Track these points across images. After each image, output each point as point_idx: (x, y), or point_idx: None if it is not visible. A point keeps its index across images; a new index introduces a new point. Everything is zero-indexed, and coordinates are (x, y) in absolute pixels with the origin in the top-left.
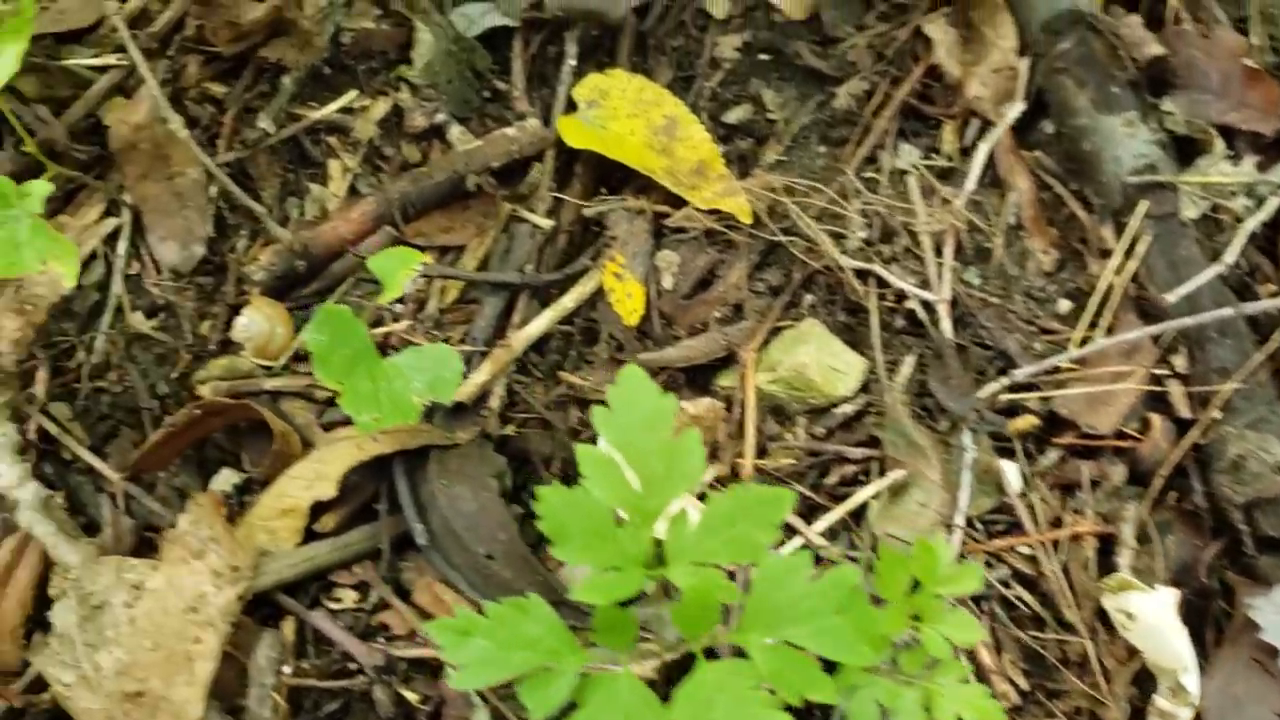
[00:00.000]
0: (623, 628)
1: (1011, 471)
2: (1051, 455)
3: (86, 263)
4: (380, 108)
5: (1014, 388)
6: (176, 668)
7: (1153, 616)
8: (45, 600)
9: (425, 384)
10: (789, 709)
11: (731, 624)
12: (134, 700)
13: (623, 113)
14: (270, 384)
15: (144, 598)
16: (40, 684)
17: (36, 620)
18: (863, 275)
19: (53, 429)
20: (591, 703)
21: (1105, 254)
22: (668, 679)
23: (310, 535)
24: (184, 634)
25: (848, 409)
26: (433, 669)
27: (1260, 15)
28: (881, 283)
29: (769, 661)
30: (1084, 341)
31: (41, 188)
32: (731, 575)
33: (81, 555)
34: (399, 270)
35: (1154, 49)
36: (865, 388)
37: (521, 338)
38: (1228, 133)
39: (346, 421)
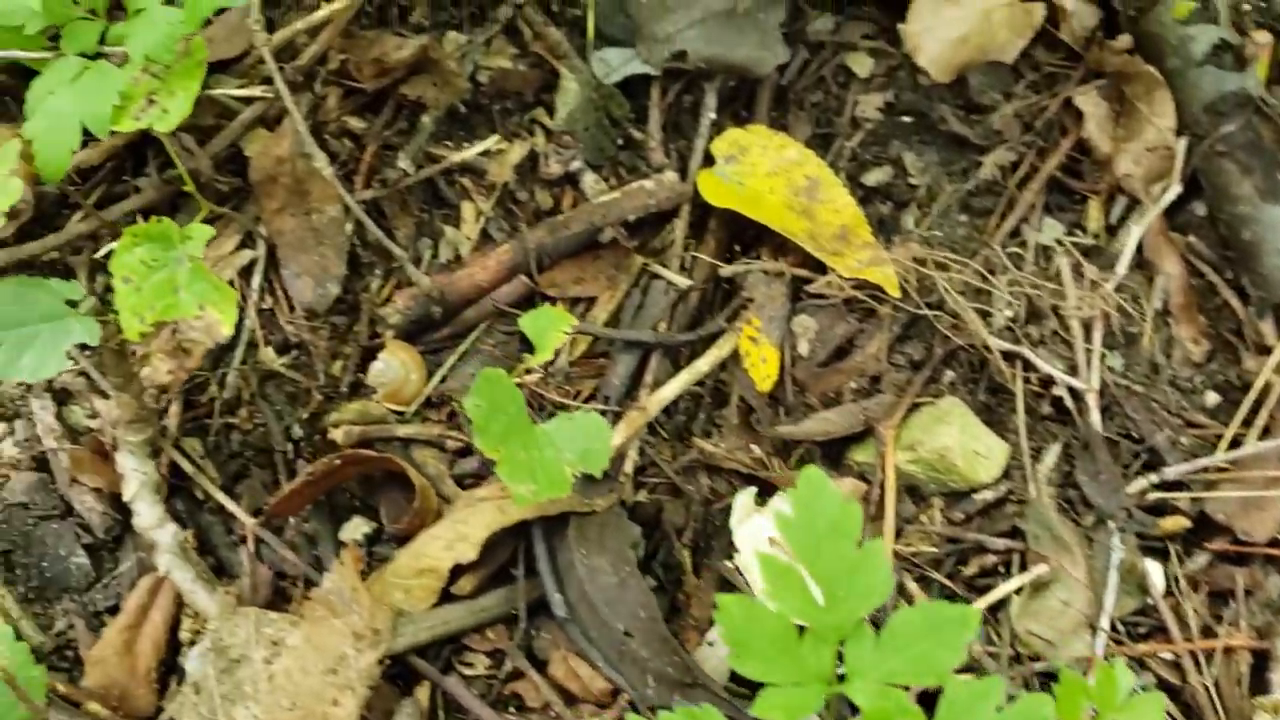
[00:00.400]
0: None
1: (1156, 573)
2: (1200, 559)
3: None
4: (517, 152)
5: (1163, 485)
6: None
7: None
8: (176, 644)
9: (576, 455)
10: None
11: None
12: None
13: (762, 170)
14: (403, 431)
15: (283, 655)
16: None
17: (170, 665)
18: (1009, 357)
19: (186, 466)
20: None
21: (1262, 349)
22: None
23: (445, 597)
24: (323, 695)
25: (988, 495)
26: None
27: None
28: (1027, 365)
29: None
30: (1237, 441)
31: (203, 231)
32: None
33: (219, 605)
34: (550, 331)
35: None
36: (1007, 474)
37: (656, 400)
38: None
39: (478, 476)
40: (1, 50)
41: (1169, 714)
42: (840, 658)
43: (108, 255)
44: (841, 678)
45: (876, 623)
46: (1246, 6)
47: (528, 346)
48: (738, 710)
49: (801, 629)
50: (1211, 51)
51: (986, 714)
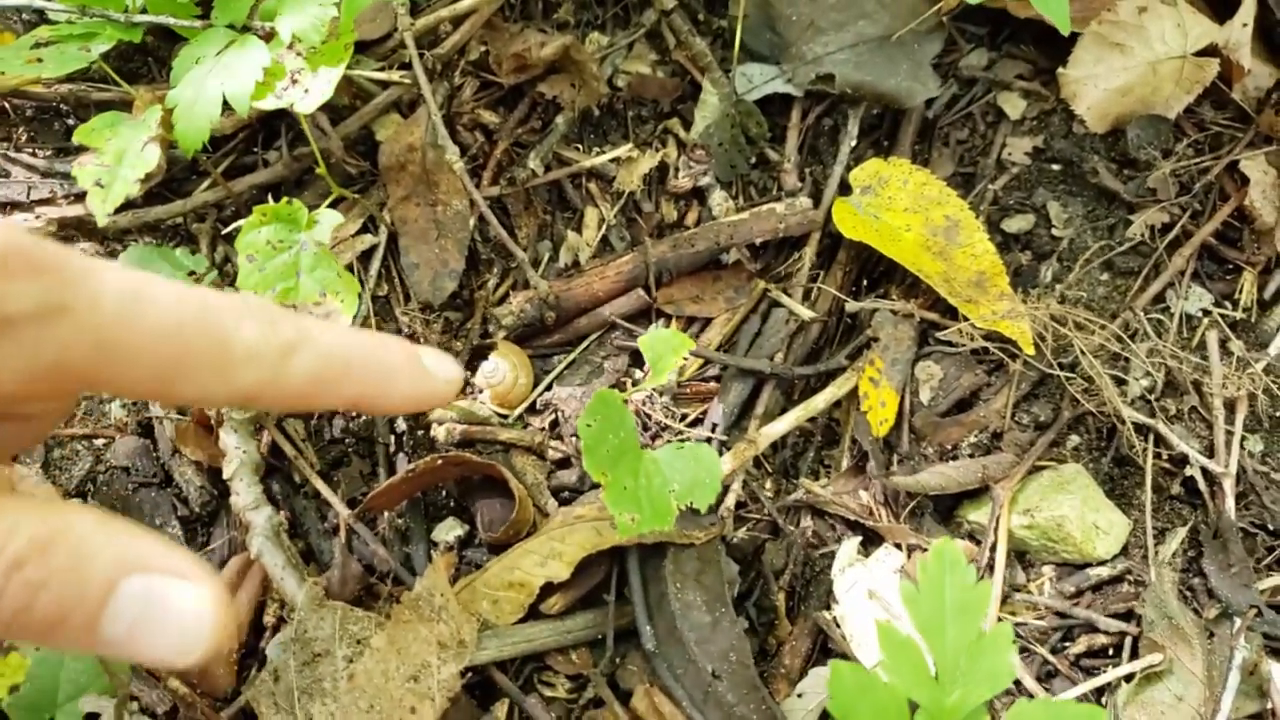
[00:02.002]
0: None
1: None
2: None
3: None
4: (647, 162)
5: None
6: None
7: None
8: (260, 627)
9: (684, 486)
10: None
11: None
12: None
13: (900, 205)
14: (505, 435)
15: (365, 655)
16: (249, 715)
17: (251, 647)
18: (1141, 429)
19: (287, 448)
20: None
21: None
22: None
23: (532, 613)
24: (402, 702)
25: (1104, 572)
26: None
27: None
28: (1160, 440)
29: None
30: None
31: (331, 216)
32: None
33: (307, 596)
34: (670, 355)
35: None
36: (1125, 552)
37: (766, 434)
38: None
39: (576, 490)
40: (153, 14)
41: None
42: None
43: (233, 230)
44: None
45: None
46: None
47: (638, 361)
48: None
49: (914, 707)
50: None
51: None
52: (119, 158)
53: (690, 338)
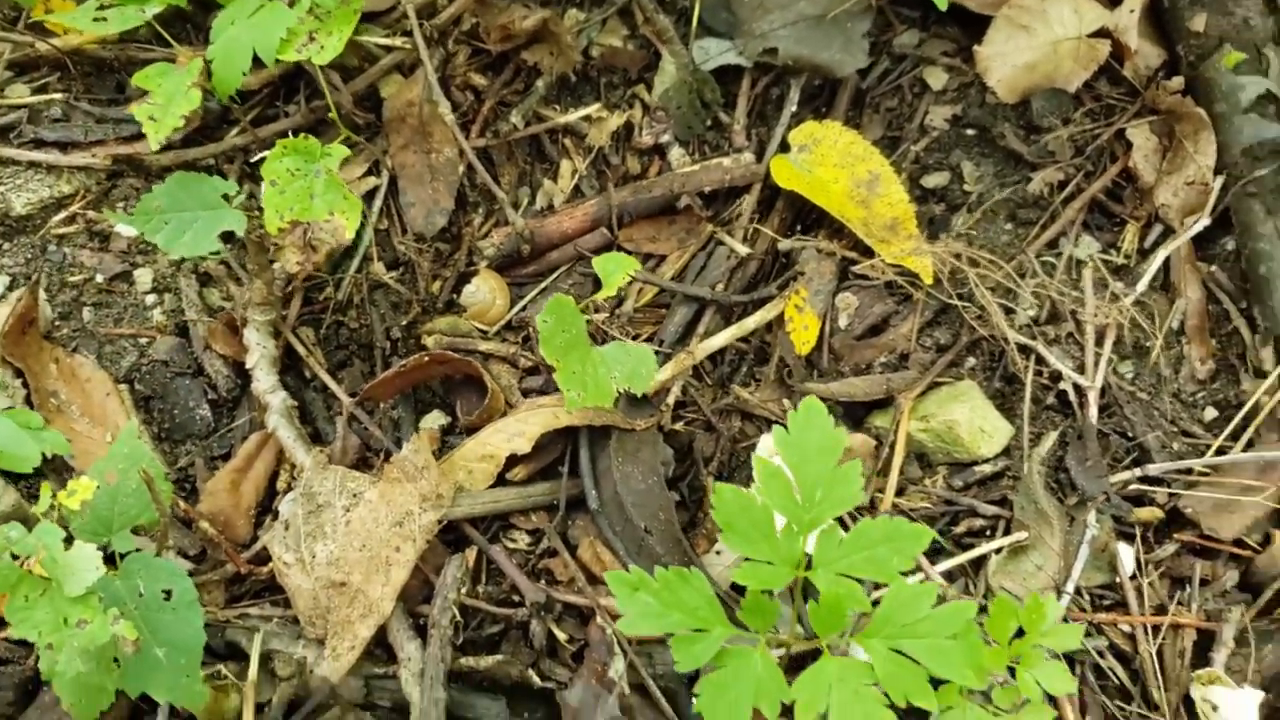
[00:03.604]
0: (766, 612)
1: (1127, 555)
2: (1169, 548)
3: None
4: (614, 121)
5: (1145, 480)
6: (377, 568)
7: (1235, 712)
8: (273, 490)
9: (624, 375)
10: (893, 709)
11: (858, 629)
12: (337, 588)
13: (830, 161)
14: (484, 346)
15: (360, 505)
16: (263, 558)
17: (265, 506)
18: (1025, 350)
19: (299, 349)
20: (729, 667)
21: (1260, 373)
22: (789, 668)
23: (500, 481)
24: (388, 542)
25: (987, 469)
26: (583, 615)
27: None
28: (1040, 361)
29: (884, 666)
30: (1222, 451)
31: (340, 150)
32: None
33: (313, 461)
34: (617, 273)
35: None
36: (1006, 452)
37: (704, 347)
38: None
39: (542, 391)
40: None
41: (1115, 674)
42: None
43: (258, 162)
44: (809, 566)
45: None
46: None
47: (599, 288)
48: (728, 607)
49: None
50: (1256, 101)
51: (923, 608)
52: (169, 98)
53: (646, 270)
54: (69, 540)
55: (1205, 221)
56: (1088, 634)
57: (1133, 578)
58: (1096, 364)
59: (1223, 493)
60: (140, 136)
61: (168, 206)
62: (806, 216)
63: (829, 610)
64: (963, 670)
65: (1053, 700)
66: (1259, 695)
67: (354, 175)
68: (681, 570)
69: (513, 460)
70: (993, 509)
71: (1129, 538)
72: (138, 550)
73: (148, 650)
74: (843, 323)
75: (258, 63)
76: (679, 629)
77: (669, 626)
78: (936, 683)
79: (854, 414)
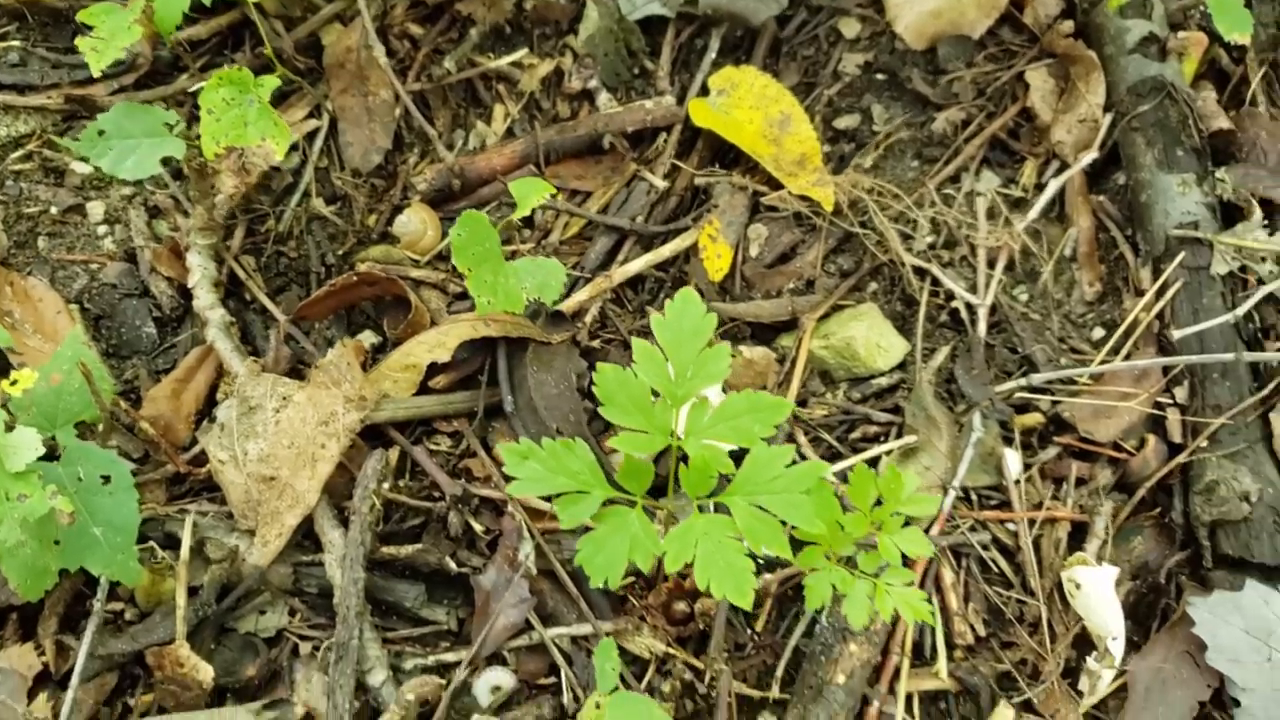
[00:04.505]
0: (641, 475)
1: (1013, 459)
2: (1050, 452)
3: (287, 151)
4: (545, 68)
5: (1030, 389)
6: (304, 464)
7: (1094, 587)
8: (213, 401)
9: (534, 285)
10: (752, 558)
11: (723, 489)
12: (267, 483)
13: (746, 103)
14: (415, 273)
15: (289, 407)
16: (201, 460)
17: (206, 415)
18: (921, 273)
19: (241, 274)
20: (608, 525)
21: (1140, 292)
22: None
23: (424, 390)
24: (314, 439)
25: (883, 381)
26: (498, 509)
27: None
28: (936, 282)
29: (744, 519)
30: (1102, 363)
31: (271, 81)
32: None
33: (247, 369)
34: (531, 196)
35: (1221, 123)
36: (902, 367)
37: (620, 272)
38: (1271, 206)
39: (469, 311)
40: None
41: (997, 565)
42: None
43: (197, 90)
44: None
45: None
46: (1195, 13)
47: (529, 223)
48: (619, 488)
49: (656, 395)
50: (1140, 42)
51: (779, 468)
52: (111, 33)
53: (572, 204)
54: (11, 428)
55: (1095, 155)
56: (974, 529)
57: (1017, 482)
58: (988, 284)
59: (1101, 400)
60: (94, 80)
61: (113, 133)
62: (724, 156)
63: (697, 473)
64: (812, 519)
65: (939, 586)
66: (1114, 571)
67: (297, 118)
68: (567, 441)
69: (435, 369)
70: (886, 416)
71: (1015, 443)
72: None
73: (86, 529)
74: (754, 252)
75: (203, 8)
76: (564, 490)
77: (554, 488)
78: (798, 545)
79: (763, 336)
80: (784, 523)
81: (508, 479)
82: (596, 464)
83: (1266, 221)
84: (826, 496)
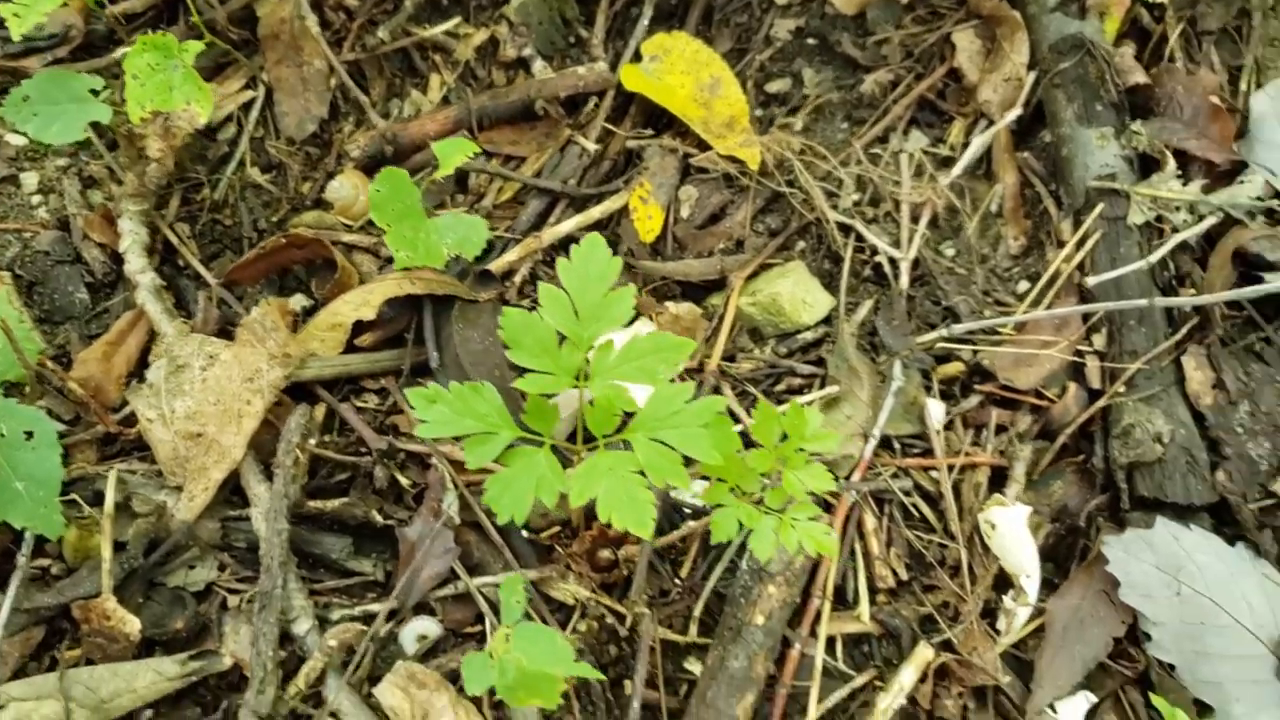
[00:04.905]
0: (546, 415)
1: (936, 409)
2: (973, 400)
3: (222, 123)
4: (480, 36)
5: (951, 339)
6: (229, 420)
7: (1007, 526)
8: (145, 364)
9: (455, 241)
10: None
11: (626, 427)
12: (194, 440)
13: (678, 69)
14: (347, 238)
15: (215, 366)
16: (132, 420)
17: (137, 376)
18: (845, 230)
19: (175, 240)
20: (515, 465)
21: (1062, 244)
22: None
23: (351, 349)
24: (239, 396)
25: (809, 336)
26: (424, 462)
27: (1255, 64)
28: (860, 238)
29: (645, 453)
30: (1023, 314)
31: (195, 46)
32: None
33: (176, 329)
34: (455, 155)
35: (1139, 78)
36: (828, 321)
37: (551, 233)
38: (1185, 157)
39: None
40: None
41: (918, 510)
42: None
43: (122, 55)
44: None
45: None
46: None
47: (462, 187)
48: (528, 430)
49: (563, 339)
50: (1061, 2)
51: (678, 404)
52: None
53: (506, 170)
54: None
55: (1019, 112)
56: (896, 476)
57: (939, 431)
58: (911, 239)
59: (1022, 349)
60: (26, 53)
61: (37, 99)
62: (657, 120)
63: (602, 412)
64: (710, 452)
65: (861, 532)
66: (1027, 510)
67: (232, 89)
68: (474, 384)
69: (362, 328)
70: (810, 369)
71: (934, 392)
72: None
73: (8, 484)
74: (685, 213)
75: None
76: (471, 432)
77: (461, 430)
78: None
79: (694, 295)
80: (686, 458)
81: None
82: (504, 407)
83: (1180, 172)
84: (726, 431)
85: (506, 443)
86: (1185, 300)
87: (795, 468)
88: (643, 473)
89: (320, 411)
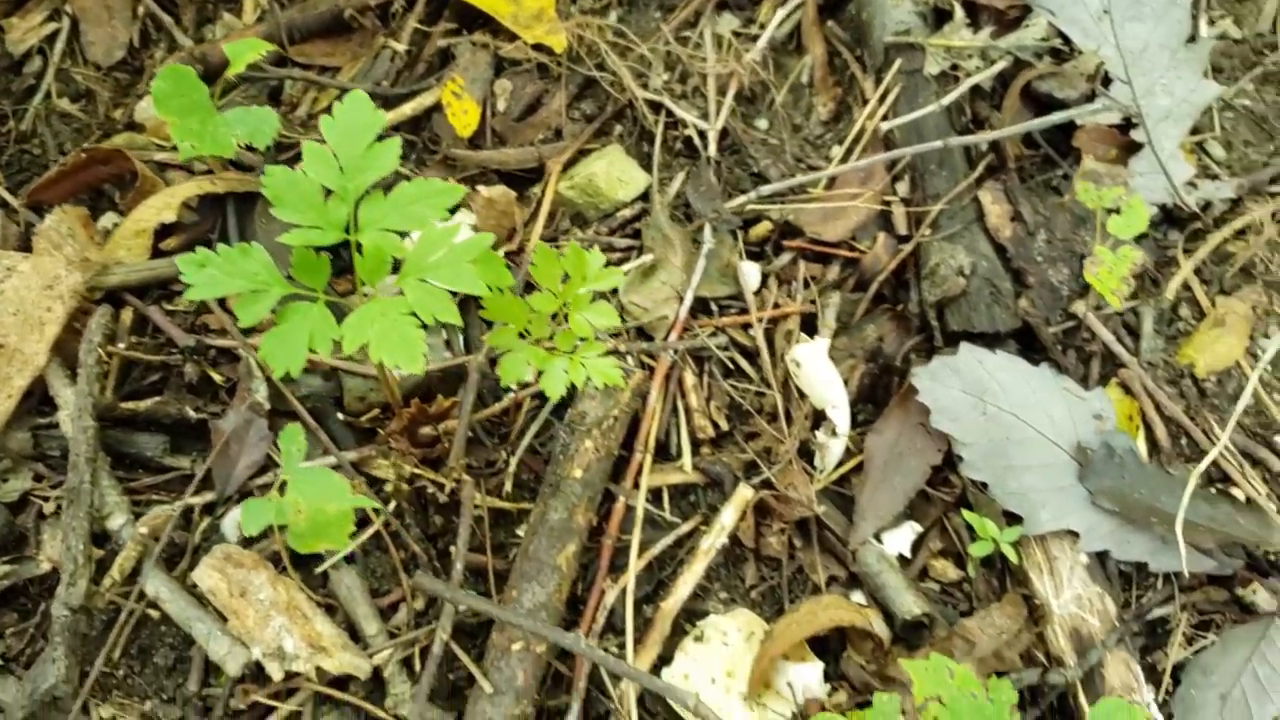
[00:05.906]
0: (316, 269)
1: (751, 270)
2: (785, 258)
3: (26, 55)
4: None
5: (761, 200)
6: (31, 329)
7: (810, 361)
8: None
9: (245, 132)
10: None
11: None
12: None
13: None
14: (160, 156)
15: (13, 277)
16: None
17: None
18: (656, 107)
19: None
20: (289, 321)
21: (867, 103)
22: None
23: (158, 255)
24: (39, 304)
25: (627, 213)
26: (233, 356)
27: None
28: (671, 115)
29: (415, 294)
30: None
31: None
32: None
33: None
34: (246, 53)
35: None
36: (645, 198)
37: None
38: (974, 8)
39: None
40: None
41: (735, 364)
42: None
43: None
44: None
45: None
46: None
47: (275, 100)
48: (300, 285)
49: (329, 193)
50: None
51: (448, 245)
52: None
53: (323, 80)
54: None
55: None
56: (713, 335)
57: (756, 292)
58: (718, 110)
59: (830, 204)
60: None
61: None
62: (470, 20)
63: (372, 260)
64: (477, 284)
65: (681, 390)
66: (826, 342)
67: (35, 23)
68: (243, 245)
69: (166, 231)
70: (627, 241)
71: (752, 256)
72: None
73: None
74: (501, 106)
75: None
76: (241, 290)
77: (231, 289)
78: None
79: (517, 186)
80: (456, 294)
81: (188, 289)
82: (273, 265)
83: (970, 21)
84: (495, 265)
85: (276, 299)
86: (979, 137)
87: (580, 308)
88: (415, 314)
89: (128, 315)
